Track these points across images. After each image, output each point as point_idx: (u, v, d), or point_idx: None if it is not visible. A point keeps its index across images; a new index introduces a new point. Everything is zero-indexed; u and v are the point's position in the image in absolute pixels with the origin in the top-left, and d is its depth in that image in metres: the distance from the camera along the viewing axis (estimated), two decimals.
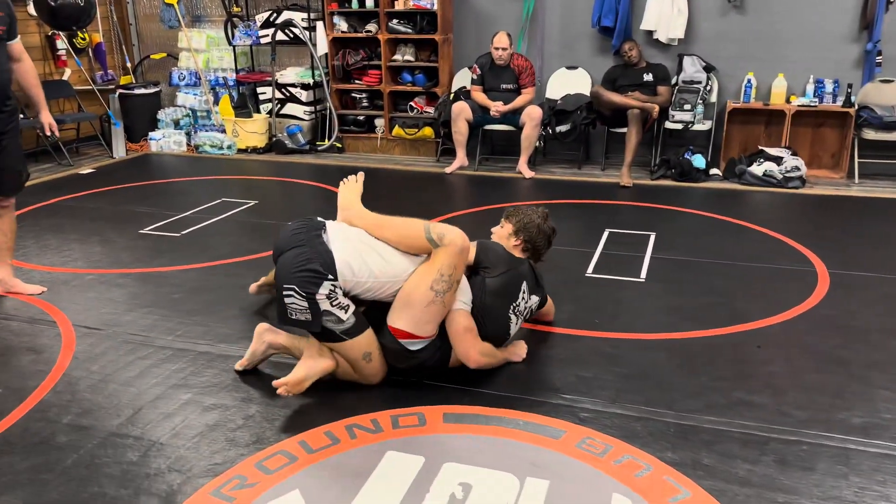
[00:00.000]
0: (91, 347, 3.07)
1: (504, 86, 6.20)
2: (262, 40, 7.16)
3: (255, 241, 4.44)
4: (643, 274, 3.88)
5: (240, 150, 7.15)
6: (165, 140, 7.22)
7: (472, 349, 2.69)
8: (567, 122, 6.33)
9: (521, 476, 2.20)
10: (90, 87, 7.24)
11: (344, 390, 2.69)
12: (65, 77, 7.13)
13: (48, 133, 3.66)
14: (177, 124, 7.43)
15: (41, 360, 2.96)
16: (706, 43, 6.33)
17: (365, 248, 2.62)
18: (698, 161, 5.98)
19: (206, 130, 7.34)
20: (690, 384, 2.74)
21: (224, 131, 7.24)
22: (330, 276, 2.51)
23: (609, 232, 4.58)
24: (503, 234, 3.04)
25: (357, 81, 7.08)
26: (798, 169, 5.70)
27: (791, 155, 5.81)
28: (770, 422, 2.49)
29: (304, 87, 7.18)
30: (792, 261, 4.05)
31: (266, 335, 2.80)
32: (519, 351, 2.96)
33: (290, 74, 7.20)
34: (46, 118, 3.63)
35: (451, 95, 6.52)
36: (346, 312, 2.57)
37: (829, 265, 3.95)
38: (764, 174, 5.73)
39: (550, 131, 6.40)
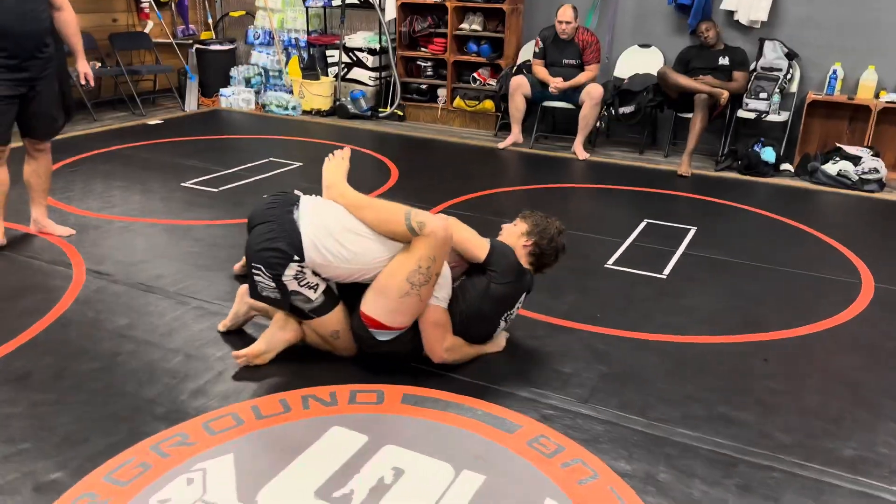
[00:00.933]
0: (94, 293, 3.18)
1: (566, 61, 5.97)
2: (334, 2, 7.18)
3: None
4: (667, 270, 3.65)
5: (304, 112, 7.24)
6: (235, 97, 7.39)
7: (437, 344, 2.59)
8: (631, 103, 6.03)
9: (458, 468, 2.11)
10: (169, 41, 7.48)
11: (315, 359, 2.67)
12: (146, 30, 7.40)
13: (83, 82, 3.78)
14: (248, 82, 7.59)
15: (46, 300, 3.09)
16: (791, 27, 5.85)
17: (339, 229, 2.48)
18: (768, 154, 5.57)
19: (275, 90, 7.46)
20: (674, 392, 2.56)
21: (291, 92, 7.35)
22: (296, 258, 2.43)
23: (647, 223, 4.35)
24: (515, 233, 2.80)
25: (423, 49, 7.00)
26: (877, 171, 5.21)
27: (871, 155, 5.31)
28: (746, 442, 2.29)
29: (371, 52, 7.16)
30: (838, 271, 3.72)
31: (247, 296, 2.81)
32: (498, 341, 2.85)
33: (358, 38, 7.19)
34: (83, 67, 3.76)
35: (514, 68, 6.35)
36: (314, 292, 2.51)
37: (878, 279, 3.59)
38: (838, 174, 5.28)
39: (613, 112, 6.13)
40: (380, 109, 7.15)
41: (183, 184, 4.81)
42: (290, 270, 2.44)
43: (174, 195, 4.59)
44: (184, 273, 3.41)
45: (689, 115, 5.74)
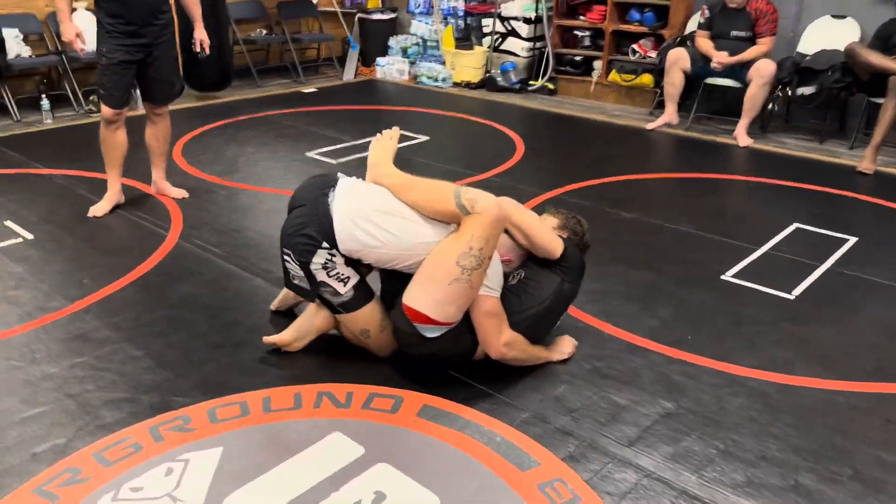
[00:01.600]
0: (175, 259, 3.26)
1: (735, 33, 5.22)
2: None
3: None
4: (798, 290, 3.03)
5: (455, 84, 7.07)
6: (389, 67, 7.39)
7: (494, 336, 2.29)
8: (813, 83, 5.16)
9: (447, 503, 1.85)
10: (334, 10, 7.63)
11: (351, 353, 2.51)
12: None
13: (198, 49, 3.87)
14: (405, 52, 7.55)
15: (132, 261, 3.21)
16: None
17: (377, 211, 2.27)
18: None
19: (429, 61, 7.35)
20: (750, 447, 2.09)
21: (444, 63, 7.20)
22: (325, 244, 2.27)
23: (796, 227, 3.68)
24: (546, 227, 2.53)
25: (581, 18, 6.51)
26: None
27: None
28: None
29: (527, 21, 6.78)
30: None
31: None
32: (564, 348, 2.53)
33: (514, 7, 6.84)
34: (199, 34, 3.84)
35: (678, 40, 5.69)
36: (344, 285, 2.33)
37: None
38: None
39: (791, 93, 5.30)
40: (530, 82, 6.80)
41: (308, 153, 4.85)
42: (319, 258, 2.28)
43: (294, 165, 4.63)
44: (265, 246, 3.39)
45: (881, 101, 4.80)
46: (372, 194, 2.35)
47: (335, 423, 2.15)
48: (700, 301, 2.95)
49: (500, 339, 2.29)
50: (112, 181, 3.81)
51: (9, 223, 3.59)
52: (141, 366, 2.45)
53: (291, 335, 2.50)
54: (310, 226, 2.28)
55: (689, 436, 2.13)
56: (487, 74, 6.92)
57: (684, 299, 2.95)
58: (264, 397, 2.27)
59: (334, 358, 2.49)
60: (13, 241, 3.41)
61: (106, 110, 3.63)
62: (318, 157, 4.78)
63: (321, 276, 2.31)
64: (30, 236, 3.45)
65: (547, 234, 2.44)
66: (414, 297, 2.23)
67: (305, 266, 2.30)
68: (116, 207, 3.81)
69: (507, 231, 2.40)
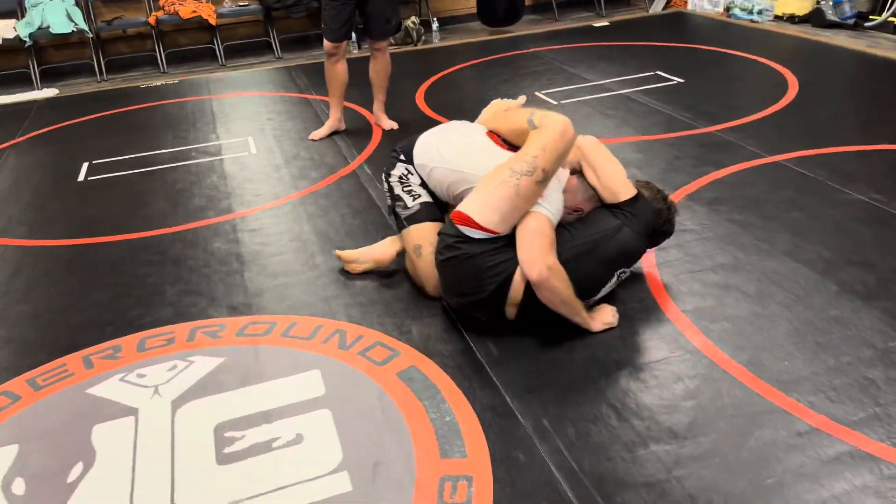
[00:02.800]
0: (332, 189, 3.51)
1: None
2: None
3: (613, 127, 3.98)
4: None
5: (775, 17, 6.00)
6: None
7: (537, 254, 2.07)
8: None
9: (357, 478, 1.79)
10: None
11: (401, 303, 2.48)
12: None
13: None
14: None
15: (301, 183, 3.57)
16: None
17: (454, 135, 2.45)
18: None
19: None
20: None
21: None
22: (403, 158, 2.49)
23: None
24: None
25: None
26: None
27: None
28: None
29: None
30: None
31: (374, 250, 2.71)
32: (604, 317, 2.23)
33: None
34: None
35: None
36: (413, 200, 2.47)
37: None
38: None
39: None
40: (870, 16, 5.43)
41: (537, 92, 4.68)
42: (397, 171, 2.50)
43: None
44: None
45: None
46: (460, 125, 2.55)
47: (324, 360, 2.19)
48: (852, 320, 2.19)
49: (545, 260, 2.07)
50: (332, 109, 4.21)
51: (249, 139, 4.25)
52: (231, 275, 2.77)
53: (353, 255, 2.65)
54: (401, 143, 2.56)
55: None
56: (817, 6, 5.72)
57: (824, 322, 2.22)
58: (291, 322, 2.41)
59: (383, 304, 2.49)
60: (243, 153, 4.04)
61: (326, 44, 3.99)
62: (544, 96, 4.59)
63: (397, 188, 2.49)
64: (254, 151, 4.06)
65: (619, 175, 2.32)
66: (463, 203, 2.21)
67: (387, 177, 2.52)
68: (334, 133, 4.22)
69: (583, 175, 2.33)
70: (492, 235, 2.15)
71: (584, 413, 1.90)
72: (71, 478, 1.82)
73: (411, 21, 6.31)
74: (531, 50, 5.80)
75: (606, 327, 2.22)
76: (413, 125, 4.18)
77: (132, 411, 2.04)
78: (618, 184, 2.29)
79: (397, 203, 2.49)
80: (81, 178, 3.84)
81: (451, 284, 2.27)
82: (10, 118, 5.02)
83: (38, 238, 3.17)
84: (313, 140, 4.15)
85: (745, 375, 2.00)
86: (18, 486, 1.81)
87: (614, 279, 2.25)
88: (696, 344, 2.14)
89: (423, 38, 6.39)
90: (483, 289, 2.18)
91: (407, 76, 5.17)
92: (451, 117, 4.13)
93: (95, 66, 5.98)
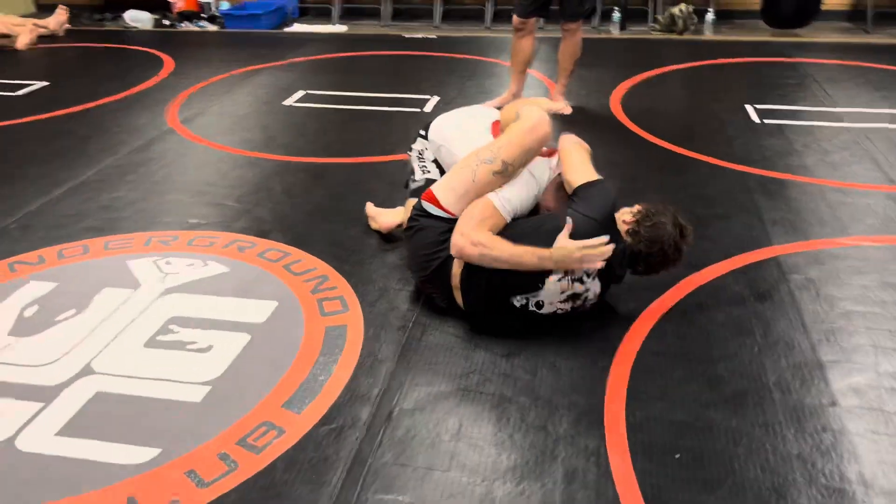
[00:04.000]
0: None
1: None
2: None
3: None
4: None
5: None
6: None
7: (460, 230, 2.10)
8: None
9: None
10: None
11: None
12: None
13: None
14: None
15: None
16: None
17: (468, 119, 2.54)
18: None
19: None
20: None
21: None
22: (422, 133, 2.57)
23: None
24: (626, 211, 2.21)
25: None
26: None
27: None
28: None
29: None
30: None
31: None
32: (565, 244, 2.06)
33: None
34: None
35: None
36: (422, 174, 2.57)
37: None
38: None
39: None
40: None
41: (748, 105, 4.12)
42: (418, 146, 2.59)
43: (684, 119, 4.07)
44: None
45: None
46: (479, 110, 2.73)
47: (289, 296, 2.42)
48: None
49: (472, 232, 2.08)
50: (511, 83, 4.24)
51: (434, 98, 4.50)
52: (280, 202, 3.10)
53: (372, 212, 2.83)
54: (429, 120, 2.65)
55: None
56: None
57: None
58: (298, 258, 2.65)
59: (372, 263, 2.63)
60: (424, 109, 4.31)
61: (514, 18, 4.03)
62: (752, 110, 4.04)
63: (414, 162, 2.61)
64: (428, 109, 4.30)
65: (580, 167, 2.23)
66: (436, 182, 2.35)
67: (409, 151, 2.64)
68: None
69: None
70: (447, 216, 2.19)
71: None
72: (60, 317, 2.33)
73: (680, 8, 5.89)
74: (794, 60, 5.07)
75: (565, 255, 2.04)
76: (591, 121, 4.05)
77: (136, 286, 2.50)
78: (575, 174, 2.21)
79: (411, 175, 2.58)
80: (289, 102, 4.48)
81: (408, 258, 2.37)
82: (293, 44, 5.94)
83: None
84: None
85: None
86: (30, 311, 2.38)
87: (555, 283, 2.08)
88: None
89: (691, 27, 5.94)
90: (428, 265, 2.23)
91: (628, 65, 4.95)
92: (639, 123, 3.95)
93: (381, 10, 6.72)
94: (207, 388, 2.01)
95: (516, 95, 4.25)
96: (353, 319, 2.29)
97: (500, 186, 2.18)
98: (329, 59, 5.51)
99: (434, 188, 2.25)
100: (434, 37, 6.10)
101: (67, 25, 6.41)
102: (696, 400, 1.92)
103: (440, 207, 2.21)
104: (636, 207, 2.20)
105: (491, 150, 2.19)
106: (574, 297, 2.14)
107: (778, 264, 2.55)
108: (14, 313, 2.35)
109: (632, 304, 2.32)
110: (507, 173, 2.17)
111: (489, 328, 2.21)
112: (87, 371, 2.08)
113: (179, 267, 2.62)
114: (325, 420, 1.88)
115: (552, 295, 2.12)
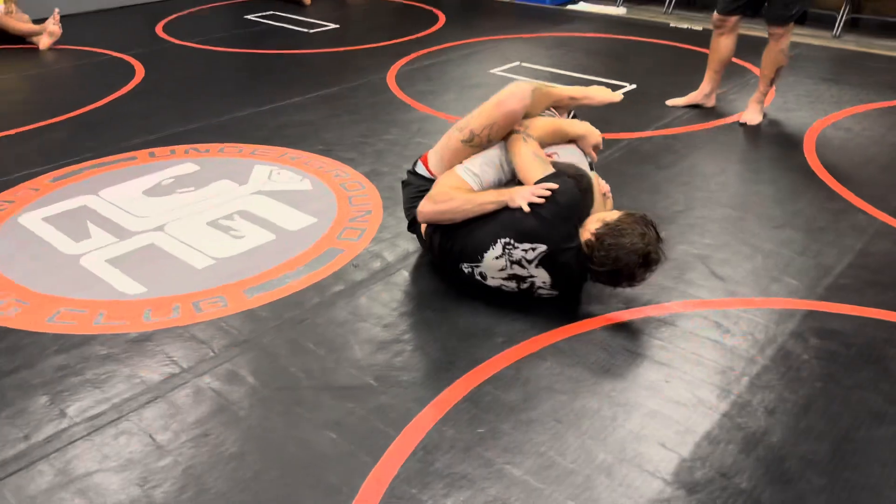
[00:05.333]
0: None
1: None
2: None
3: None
4: None
5: None
6: None
7: (428, 196, 2.26)
8: None
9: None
10: None
11: None
12: None
13: None
14: None
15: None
16: None
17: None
18: None
19: None
20: None
21: None
22: None
23: None
24: (599, 217, 2.18)
25: None
26: None
27: None
28: None
29: None
30: None
31: None
32: (521, 192, 2.15)
33: None
34: None
35: None
36: None
37: None
38: None
39: None
40: None
41: None
42: None
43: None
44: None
45: None
46: None
47: (329, 215, 2.83)
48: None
49: (424, 205, 2.26)
50: (703, 82, 3.97)
51: (629, 86, 4.39)
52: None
53: None
54: None
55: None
56: None
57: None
58: (361, 188, 3.04)
59: None
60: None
61: (714, 14, 3.76)
62: None
63: None
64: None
65: (531, 164, 2.20)
66: None
67: None
68: (695, 107, 4.00)
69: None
70: (429, 176, 2.39)
71: None
72: (180, 190, 3.07)
73: None
74: None
75: (514, 204, 2.13)
76: (768, 159, 3.66)
77: (243, 183, 3.13)
78: (528, 172, 2.20)
79: None
80: (496, 70, 4.79)
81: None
82: (556, 20, 6.15)
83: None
84: (669, 105, 4.07)
85: None
86: (167, 181, 3.16)
87: (499, 249, 2.15)
88: None
89: None
90: (409, 216, 2.48)
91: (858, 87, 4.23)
92: (834, 171, 3.42)
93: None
94: (212, 262, 2.55)
95: (707, 96, 3.99)
96: (354, 252, 2.63)
97: (468, 157, 2.29)
98: (566, 38, 5.61)
99: (429, 151, 2.44)
100: (700, 29, 5.78)
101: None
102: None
103: (427, 168, 2.40)
104: (609, 217, 2.13)
105: (465, 120, 2.33)
106: (517, 278, 2.20)
107: None
108: (157, 180, 3.17)
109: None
110: (473, 143, 2.28)
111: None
112: (159, 228, 2.77)
113: (284, 178, 3.20)
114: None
115: (491, 269, 2.21)
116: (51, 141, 3.63)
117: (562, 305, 2.28)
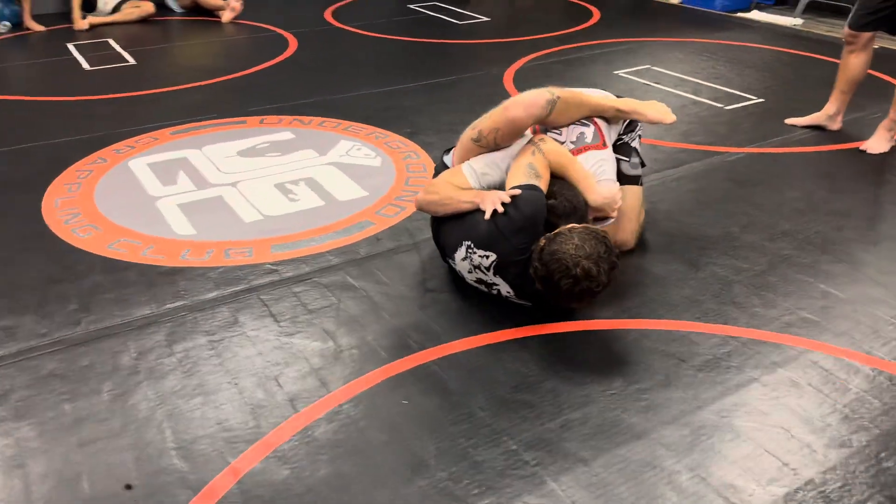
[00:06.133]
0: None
1: None
2: None
3: None
4: None
5: None
6: None
7: (423, 189, 2.39)
8: None
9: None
10: None
11: None
12: None
13: None
14: None
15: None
16: None
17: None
18: None
19: None
20: None
21: None
22: None
23: None
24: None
25: None
26: None
27: None
28: None
29: None
30: None
31: None
32: (492, 196, 2.15)
33: None
34: None
35: None
36: None
37: None
38: None
39: None
40: None
41: None
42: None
43: None
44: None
45: None
46: None
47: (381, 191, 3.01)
48: None
49: (422, 192, 2.35)
50: (830, 100, 3.61)
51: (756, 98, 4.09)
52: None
53: None
54: None
55: None
56: None
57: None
58: (423, 166, 3.17)
59: None
60: (729, 105, 4.04)
61: (845, 29, 3.42)
62: None
63: None
64: (722, 105, 3.98)
65: (517, 174, 2.19)
66: None
67: None
68: (817, 128, 3.65)
69: None
70: (451, 166, 2.45)
71: None
72: (270, 154, 3.40)
73: None
74: None
75: (490, 205, 2.12)
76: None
77: (322, 153, 3.40)
78: (510, 178, 2.20)
79: None
80: (620, 71, 4.68)
81: None
82: (716, 26, 5.81)
83: None
84: (787, 124, 3.74)
85: None
86: (262, 146, 3.50)
87: (464, 251, 2.18)
88: None
89: None
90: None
91: None
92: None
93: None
94: (260, 218, 2.83)
95: (831, 117, 3.63)
96: (384, 227, 2.78)
97: (477, 155, 2.30)
98: (716, 45, 5.28)
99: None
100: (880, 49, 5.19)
101: None
102: None
103: (452, 160, 2.45)
104: (564, 228, 2.03)
105: (480, 119, 2.32)
106: (484, 283, 2.22)
107: None
108: (253, 143, 3.53)
109: None
110: (481, 143, 2.28)
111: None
112: (233, 184, 3.11)
113: (360, 154, 3.42)
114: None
115: (462, 270, 2.26)
116: (192, 100, 4.16)
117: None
